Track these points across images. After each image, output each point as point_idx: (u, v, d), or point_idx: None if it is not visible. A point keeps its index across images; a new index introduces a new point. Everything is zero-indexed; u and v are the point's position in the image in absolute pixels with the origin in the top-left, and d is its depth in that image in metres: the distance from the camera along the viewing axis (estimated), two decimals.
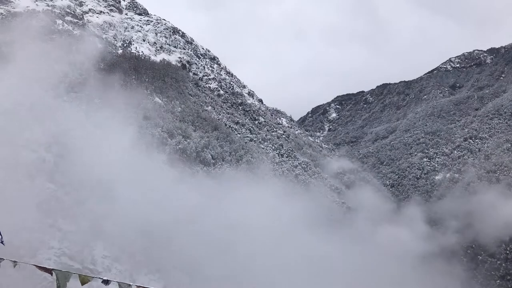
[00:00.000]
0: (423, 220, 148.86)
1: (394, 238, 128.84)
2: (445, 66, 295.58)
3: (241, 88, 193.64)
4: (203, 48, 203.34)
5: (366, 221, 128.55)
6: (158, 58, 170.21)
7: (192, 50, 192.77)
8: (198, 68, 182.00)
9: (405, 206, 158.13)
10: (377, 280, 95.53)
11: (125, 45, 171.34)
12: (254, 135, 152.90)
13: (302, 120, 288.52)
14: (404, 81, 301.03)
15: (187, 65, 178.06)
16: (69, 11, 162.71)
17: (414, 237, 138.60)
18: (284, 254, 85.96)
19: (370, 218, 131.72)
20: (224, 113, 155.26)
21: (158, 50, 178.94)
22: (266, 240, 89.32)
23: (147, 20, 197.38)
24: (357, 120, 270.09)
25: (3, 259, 18.32)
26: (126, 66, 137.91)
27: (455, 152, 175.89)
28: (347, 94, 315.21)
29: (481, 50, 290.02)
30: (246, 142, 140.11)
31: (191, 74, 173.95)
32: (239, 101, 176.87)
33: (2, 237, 19.29)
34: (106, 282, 17.33)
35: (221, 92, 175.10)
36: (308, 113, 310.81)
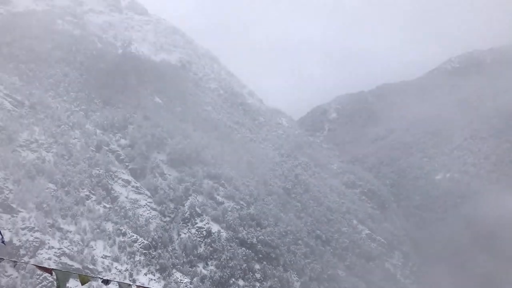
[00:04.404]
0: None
1: None
2: (445, 66, 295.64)
3: (241, 88, 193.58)
4: (203, 48, 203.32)
5: None
6: (158, 58, 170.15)
7: (192, 50, 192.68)
8: (198, 68, 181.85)
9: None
10: None
11: (125, 45, 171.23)
12: (254, 135, 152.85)
13: (302, 120, 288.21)
14: (404, 81, 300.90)
15: (187, 65, 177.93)
16: (69, 11, 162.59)
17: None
18: None
19: None
20: (224, 113, 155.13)
21: (158, 50, 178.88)
22: None
23: (147, 20, 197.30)
24: (357, 120, 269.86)
25: (3, 259, 18.35)
26: (126, 66, 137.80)
27: (455, 152, 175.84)
28: (347, 94, 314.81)
29: (481, 50, 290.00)
30: (246, 142, 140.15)
31: (191, 74, 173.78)
32: (239, 101, 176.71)
33: (2, 237, 19.33)
34: (106, 282, 17.36)
35: (221, 92, 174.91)
36: (308, 113, 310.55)
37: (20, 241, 69.76)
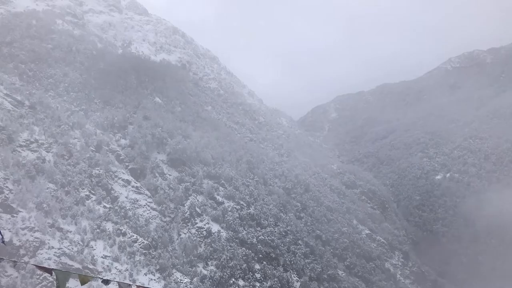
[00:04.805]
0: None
1: None
2: (445, 66, 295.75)
3: (241, 88, 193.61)
4: (203, 48, 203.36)
5: None
6: (158, 58, 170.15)
7: (192, 50, 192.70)
8: (198, 68, 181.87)
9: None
10: None
11: (125, 45, 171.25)
12: (254, 135, 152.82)
13: (302, 120, 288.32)
14: (404, 81, 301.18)
15: (187, 65, 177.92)
16: (69, 11, 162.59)
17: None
18: None
19: None
20: (224, 113, 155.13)
21: (158, 50, 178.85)
22: None
23: (147, 20, 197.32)
24: (357, 120, 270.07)
25: (3, 259, 18.36)
26: (126, 66, 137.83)
27: (455, 152, 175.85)
28: (347, 94, 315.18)
29: (481, 50, 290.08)
30: (246, 142, 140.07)
31: (191, 74, 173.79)
32: (239, 101, 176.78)
33: (2, 237, 19.33)
34: (106, 282, 17.37)
35: (221, 92, 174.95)
36: (308, 113, 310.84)
37: (20, 241, 69.74)
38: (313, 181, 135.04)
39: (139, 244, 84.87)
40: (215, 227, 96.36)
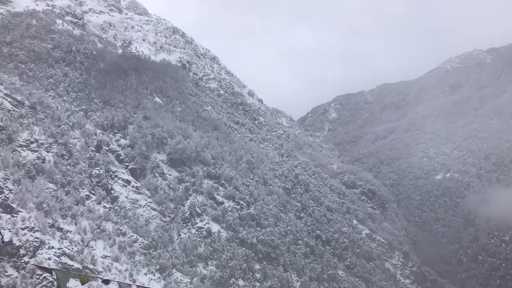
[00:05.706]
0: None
1: None
2: (445, 66, 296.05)
3: (241, 88, 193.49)
4: (203, 48, 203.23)
5: None
6: (158, 58, 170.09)
7: (192, 50, 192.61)
8: (198, 68, 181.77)
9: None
10: None
11: (125, 45, 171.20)
12: (254, 135, 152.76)
13: (302, 120, 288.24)
14: (404, 81, 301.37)
15: (187, 65, 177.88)
16: (69, 11, 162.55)
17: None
18: None
19: None
20: (224, 113, 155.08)
21: (158, 50, 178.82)
22: None
23: (147, 20, 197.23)
24: (357, 120, 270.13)
25: (3, 259, 18.38)
26: (126, 66, 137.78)
27: (455, 152, 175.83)
28: (347, 94, 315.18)
29: (481, 50, 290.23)
30: (246, 142, 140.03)
31: (191, 74, 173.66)
32: (239, 101, 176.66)
33: (2, 237, 19.34)
34: (106, 282, 17.39)
35: (221, 92, 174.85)
36: (308, 113, 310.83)
37: (20, 241, 69.72)
38: (313, 181, 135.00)
39: (139, 244, 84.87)
40: (215, 227, 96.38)
